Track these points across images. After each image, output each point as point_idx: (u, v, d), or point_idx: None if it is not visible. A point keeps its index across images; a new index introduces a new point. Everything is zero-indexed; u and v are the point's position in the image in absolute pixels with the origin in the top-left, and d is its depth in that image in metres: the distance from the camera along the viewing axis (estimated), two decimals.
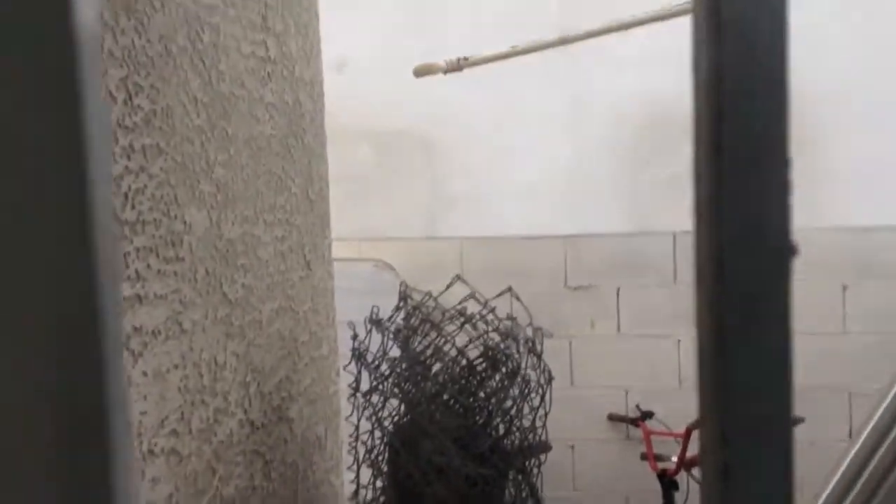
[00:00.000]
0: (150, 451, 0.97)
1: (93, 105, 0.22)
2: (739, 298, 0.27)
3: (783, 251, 0.27)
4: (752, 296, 0.27)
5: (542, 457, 1.80)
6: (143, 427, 0.96)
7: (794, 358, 0.28)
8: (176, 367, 1.04)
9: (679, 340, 3.34)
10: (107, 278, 0.21)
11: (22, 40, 0.21)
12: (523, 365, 1.65)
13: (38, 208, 0.21)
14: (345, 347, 1.78)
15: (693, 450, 2.93)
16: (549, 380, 1.67)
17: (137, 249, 0.95)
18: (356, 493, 1.69)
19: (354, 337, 1.59)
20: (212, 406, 1.15)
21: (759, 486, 0.28)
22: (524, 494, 1.79)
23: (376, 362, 1.60)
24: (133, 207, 0.94)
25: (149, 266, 0.97)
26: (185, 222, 1.06)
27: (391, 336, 1.62)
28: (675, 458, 2.99)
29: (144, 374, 0.96)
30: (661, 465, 3.06)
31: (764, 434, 0.28)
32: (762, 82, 0.27)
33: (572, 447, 3.40)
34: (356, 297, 2.12)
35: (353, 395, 1.63)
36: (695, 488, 2.98)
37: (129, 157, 0.93)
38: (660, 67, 3.21)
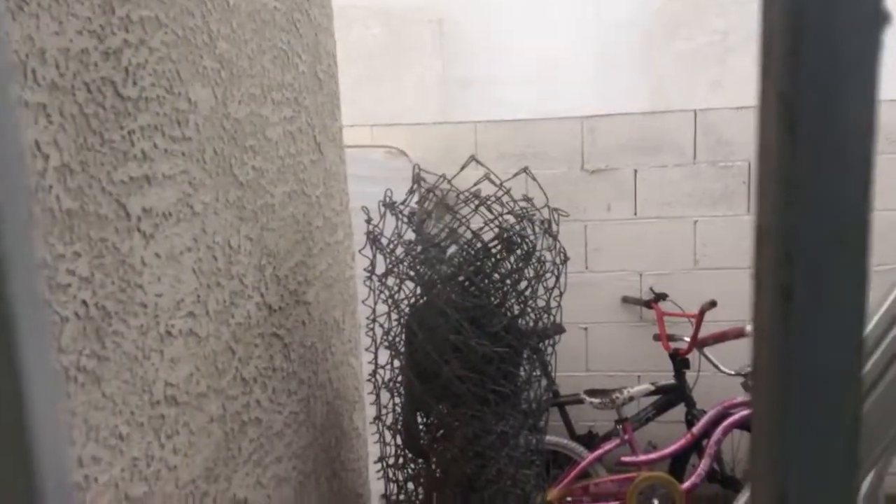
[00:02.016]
0: (168, 333, 0.98)
1: None
2: (817, 75, 0.22)
3: (874, 18, 0.22)
4: (833, 72, 0.22)
5: (556, 338, 1.81)
6: (159, 309, 0.96)
7: (874, 147, 0.23)
8: (189, 249, 1.03)
9: (695, 221, 3.31)
10: None
11: None
12: (538, 246, 1.63)
13: None
14: (359, 234, 1.76)
15: (705, 330, 2.97)
16: (565, 260, 1.65)
17: (142, 128, 0.91)
18: (374, 373, 1.72)
19: (368, 220, 1.57)
20: (228, 289, 1.15)
21: (824, 308, 0.24)
22: (537, 373, 1.82)
23: (391, 246, 1.59)
24: (135, 83, 0.90)
25: (155, 145, 0.94)
26: (189, 100, 1.02)
27: (405, 219, 1.60)
28: (687, 338, 3.03)
29: (157, 255, 0.95)
30: (673, 345, 3.11)
31: (833, 251, 0.23)
32: None
33: (585, 329, 3.45)
34: (369, 185, 2.09)
35: (369, 278, 1.63)
36: (706, 367, 3.04)
37: (127, 30, 0.88)
38: None
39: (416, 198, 1.69)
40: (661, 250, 3.35)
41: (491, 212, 1.60)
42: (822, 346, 0.23)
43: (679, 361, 3.07)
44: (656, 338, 3.22)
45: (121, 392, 0.88)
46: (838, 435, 0.24)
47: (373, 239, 1.57)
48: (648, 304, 3.26)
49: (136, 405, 0.90)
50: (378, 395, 1.74)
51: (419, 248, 1.59)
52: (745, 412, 2.93)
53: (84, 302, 0.82)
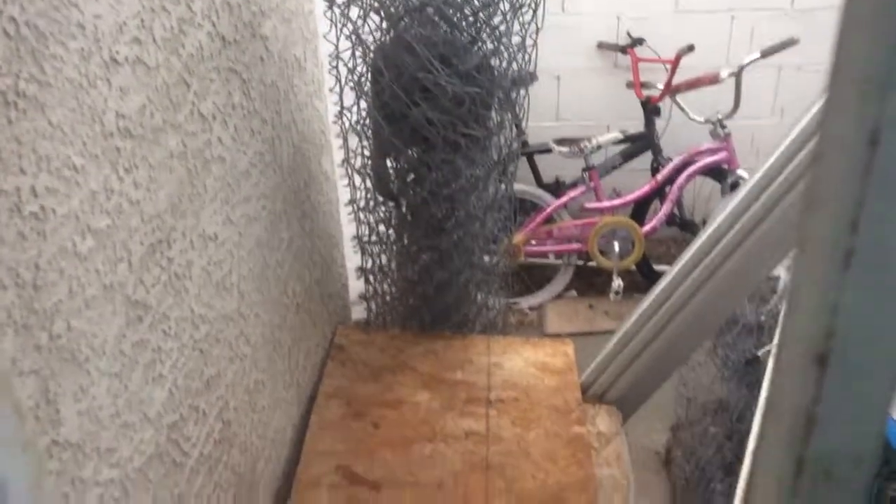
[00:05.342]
0: (114, 60, 0.90)
1: None
2: None
3: None
4: None
5: (529, 84, 1.75)
6: (99, 32, 0.87)
7: None
8: None
9: None
10: None
11: None
12: None
13: None
14: None
15: (680, 77, 2.91)
16: None
17: None
18: (340, 115, 1.66)
19: None
20: (174, 14, 1.05)
21: None
22: (508, 118, 1.78)
23: None
24: None
25: None
26: None
27: None
28: (660, 85, 2.98)
29: None
30: (646, 93, 3.06)
31: None
32: None
33: (558, 78, 3.35)
34: None
35: (329, 7, 1.50)
36: (676, 115, 3.02)
37: None
38: None
39: None
40: None
41: None
42: None
43: (650, 109, 3.04)
44: (629, 85, 3.15)
45: (69, 121, 0.82)
46: None
47: None
48: (624, 50, 3.15)
49: (87, 136, 0.85)
50: (345, 139, 1.70)
51: None
52: (709, 159, 2.97)
53: (13, 19, 0.73)
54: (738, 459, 1.98)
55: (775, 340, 2.04)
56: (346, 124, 1.68)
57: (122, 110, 0.92)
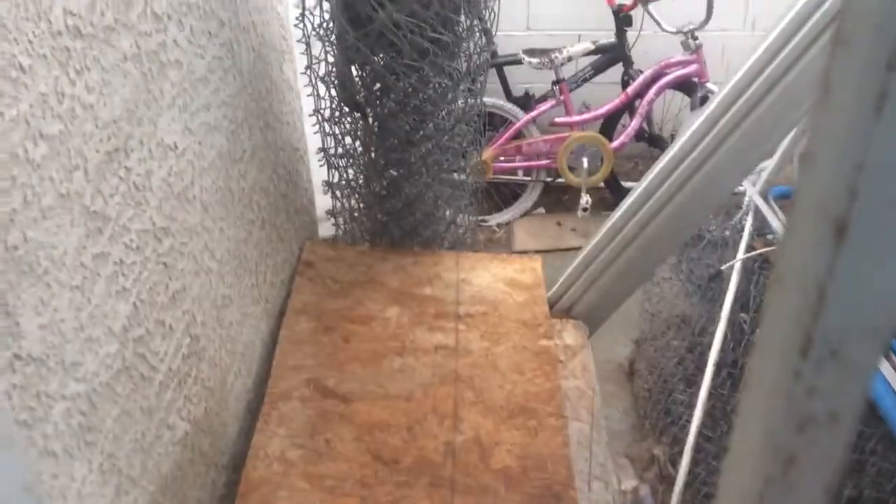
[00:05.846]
0: None
1: None
2: None
3: None
4: None
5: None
6: None
7: None
8: None
9: None
10: None
11: None
12: None
13: None
14: None
15: None
16: None
17: None
18: (302, 17, 1.58)
19: None
20: None
21: None
22: (477, 24, 1.72)
23: None
24: None
25: None
26: None
27: None
28: None
29: None
30: (618, 1, 2.98)
31: None
32: None
33: None
34: None
35: None
36: (647, 27, 2.96)
37: None
38: None
39: None
40: None
41: None
42: None
43: (622, 18, 2.97)
44: None
45: (12, 17, 0.75)
46: None
47: None
48: None
49: (33, 34, 0.79)
50: (308, 44, 1.62)
51: None
52: (680, 71, 2.93)
53: None
54: (699, 371, 2.04)
55: (739, 254, 2.07)
56: (309, 27, 1.60)
57: (69, 7, 0.85)
